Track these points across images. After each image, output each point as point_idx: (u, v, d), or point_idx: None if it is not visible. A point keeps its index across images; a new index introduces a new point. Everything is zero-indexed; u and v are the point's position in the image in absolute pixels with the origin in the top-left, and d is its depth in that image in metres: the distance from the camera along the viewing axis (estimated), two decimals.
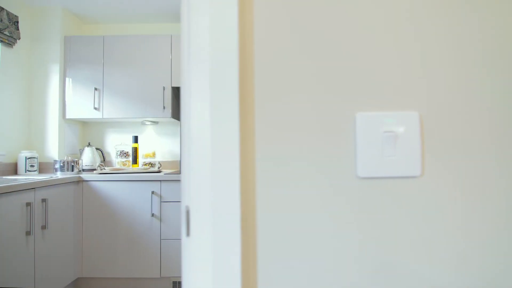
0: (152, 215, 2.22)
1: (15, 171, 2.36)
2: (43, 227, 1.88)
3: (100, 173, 2.28)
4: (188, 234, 0.41)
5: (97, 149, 2.74)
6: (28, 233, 1.76)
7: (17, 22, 2.33)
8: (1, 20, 2.18)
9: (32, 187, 1.79)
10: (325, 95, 0.43)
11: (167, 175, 2.22)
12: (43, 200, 1.88)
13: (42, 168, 2.48)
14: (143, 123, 2.85)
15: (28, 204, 1.76)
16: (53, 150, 2.50)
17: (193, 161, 0.41)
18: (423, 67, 0.43)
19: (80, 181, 2.23)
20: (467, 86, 0.43)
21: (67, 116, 2.53)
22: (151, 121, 2.81)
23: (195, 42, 0.42)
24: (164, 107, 2.51)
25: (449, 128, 0.43)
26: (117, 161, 2.71)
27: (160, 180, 2.23)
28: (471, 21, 0.43)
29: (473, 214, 0.43)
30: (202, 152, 0.41)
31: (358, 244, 0.43)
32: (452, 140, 0.43)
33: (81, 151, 2.67)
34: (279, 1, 0.43)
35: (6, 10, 2.23)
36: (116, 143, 2.85)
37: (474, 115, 0.43)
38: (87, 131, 2.88)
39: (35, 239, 1.82)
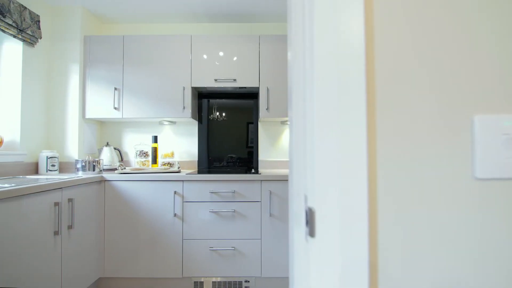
0: (175, 215, 2.22)
1: (36, 171, 2.36)
2: (70, 227, 1.88)
3: (122, 173, 2.28)
4: (312, 235, 0.42)
5: (115, 148, 2.73)
6: (56, 233, 1.76)
7: (39, 21, 2.33)
8: (24, 19, 2.18)
9: (59, 187, 1.78)
10: (442, 100, 0.44)
11: (190, 175, 2.22)
12: (70, 200, 1.88)
13: (62, 167, 2.47)
14: (160, 123, 2.85)
15: (56, 204, 1.76)
16: (73, 150, 2.49)
17: (319, 166, 0.41)
18: None
19: (102, 181, 2.23)
20: None
21: (87, 116, 2.52)
22: (169, 121, 2.81)
23: (319, 46, 0.42)
24: (184, 107, 2.51)
25: None
26: (136, 161, 2.71)
27: (182, 180, 2.23)
28: None
29: None
30: (330, 157, 0.41)
31: (477, 244, 0.43)
32: None
33: (100, 151, 2.67)
34: (398, 8, 0.43)
35: (29, 9, 2.23)
36: (133, 142, 2.85)
37: None
38: (104, 131, 2.87)
39: (62, 239, 1.82)
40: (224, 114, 2.89)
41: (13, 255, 1.45)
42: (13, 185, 1.57)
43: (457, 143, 0.44)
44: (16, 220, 1.47)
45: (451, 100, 0.44)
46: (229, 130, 2.88)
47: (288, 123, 0.55)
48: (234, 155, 2.88)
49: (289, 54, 0.52)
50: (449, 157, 0.44)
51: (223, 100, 2.90)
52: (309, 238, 0.43)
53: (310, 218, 0.42)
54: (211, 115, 2.89)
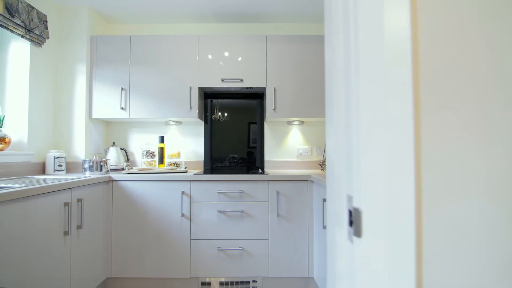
0: (182, 215, 2.22)
1: (43, 171, 2.35)
2: (79, 227, 1.88)
3: (129, 173, 2.27)
4: (359, 235, 0.42)
5: (121, 148, 2.73)
6: (66, 233, 1.75)
7: (46, 21, 2.33)
8: (32, 19, 2.18)
9: (69, 187, 1.78)
10: (488, 100, 0.44)
11: (197, 175, 2.22)
12: (79, 200, 1.88)
13: (69, 167, 2.47)
14: (166, 123, 2.85)
15: (66, 204, 1.76)
16: (79, 150, 2.49)
17: (366, 167, 0.41)
18: None
19: (110, 181, 2.23)
20: None
21: (94, 116, 2.52)
22: (175, 121, 2.81)
23: (366, 48, 0.42)
24: (191, 108, 2.51)
25: None
26: (143, 161, 2.70)
27: (190, 180, 2.23)
28: None
29: None
30: (377, 159, 0.41)
31: None
32: None
33: (106, 151, 2.67)
34: (443, 8, 0.44)
35: (36, 9, 2.22)
36: (139, 143, 2.85)
37: None
38: (110, 131, 2.87)
39: (72, 239, 1.82)
40: (226, 114, 2.89)
41: (25, 255, 1.44)
42: (23, 185, 1.57)
43: (505, 145, 0.44)
44: (27, 220, 1.47)
45: (497, 101, 0.44)
46: (231, 130, 2.89)
47: (327, 123, 0.55)
48: (236, 155, 2.89)
49: (327, 53, 0.52)
50: (496, 159, 0.44)
51: (226, 100, 2.90)
52: (354, 238, 0.43)
53: (355, 218, 0.43)
54: (213, 115, 2.90)
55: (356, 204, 0.43)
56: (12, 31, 2.04)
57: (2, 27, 1.98)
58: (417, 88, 0.44)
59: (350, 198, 0.44)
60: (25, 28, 2.11)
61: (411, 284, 0.40)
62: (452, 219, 0.43)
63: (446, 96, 0.44)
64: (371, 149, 0.41)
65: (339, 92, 0.47)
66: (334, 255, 0.48)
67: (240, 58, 2.53)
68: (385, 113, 0.41)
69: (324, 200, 1.86)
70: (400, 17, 0.42)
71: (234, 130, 2.89)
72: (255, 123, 2.90)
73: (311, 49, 2.54)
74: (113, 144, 2.67)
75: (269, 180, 2.24)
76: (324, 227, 1.86)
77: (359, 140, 0.42)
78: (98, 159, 2.29)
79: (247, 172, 2.42)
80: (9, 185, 1.63)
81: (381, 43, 0.42)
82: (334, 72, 0.48)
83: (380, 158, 0.41)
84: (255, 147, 2.89)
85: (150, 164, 2.70)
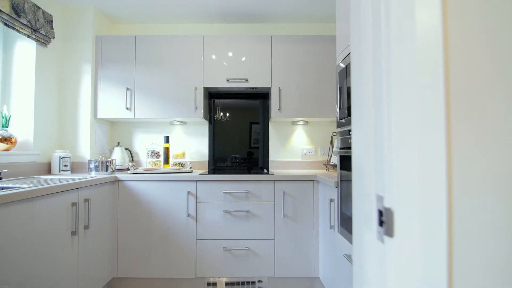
0: (188, 215, 2.22)
1: (48, 171, 2.35)
2: (86, 227, 1.88)
3: (135, 173, 2.27)
4: (390, 235, 0.42)
5: (126, 149, 2.73)
6: (73, 233, 1.75)
7: (52, 21, 2.33)
8: (38, 19, 2.18)
9: (76, 187, 1.78)
10: None
11: (203, 175, 2.23)
12: (86, 200, 1.88)
13: (74, 167, 2.47)
14: (171, 123, 2.85)
15: (73, 204, 1.76)
16: (84, 150, 2.49)
17: (399, 168, 0.42)
18: None
19: (116, 181, 2.23)
20: None
21: (99, 116, 2.52)
22: (179, 121, 2.81)
23: (397, 50, 0.43)
24: (196, 108, 2.51)
25: None
26: (148, 161, 2.70)
27: (196, 181, 2.23)
28: None
29: None
30: (410, 160, 0.41)
31: None
32: None
33: (111, 151, 2.67)
34: (473, 9, 0.44)
35: (42, 9, 2.22)
36: (143, 143, 2.85)
37: None
38: (114, 131, 2.87)
39: (79, 239, 1.82)
40: (228, 114, 2.89)
41: (34, 255, 1.44)
42: (31, 185, 1.57)
43: None
44: (35, 220, 1.46)
45: None
46: (233, 130, 2.89)
47: (353, 125, 0.55)
48: (238, 155, 2.89)
49: (354, 54, 0.52)
50: None
51: (228, 100, 2.90)
52: (385, 237, 0.43)
53: (387, 218, 0.43)
54: (215, 115, 2.90)
55: (387, 204, 0.43)
56: (18, 31, 2.04)
57: (8, 27, 1.98)
58: (448, 90, 0.44)
59: (380, 198, 0.44)
60: (31, 28, 2.11)
61: (443, 284, 0.41)
62: (481, 222, 0.44)
63: (474, 99, 0.44)
64: (403, 152, 0.42)
65: (368, 93, 0.47)
66: (362, 255, 0.48)
67: (245, 58, 2.53)
68: (418, 115, 0.42)
69: (331, 200, 1.86)
70: (431, 18, 0.42)
71: (237, 130, 2.89)
72: (257, 123, 2.90)
73: (316, 49, 2.54)
74: (118, 144, 2.67)
75: (274, 180, 2.24)
76: (331, 227, 1.86)
77: (390, 141, 0.42)
78: (104, 159, 2.29)
79: (250, 172, 2.42)
80: (17, 185, 1.63)
81: (414, 46, 0.42)
82: (362, 72, 0.48)
83: (412, 160, 0.41)
84: (257, 147, 2.89)
85: (155, 164, 2.70)
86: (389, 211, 0.42)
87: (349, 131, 1.61)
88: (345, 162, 1.68)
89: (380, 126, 0.44)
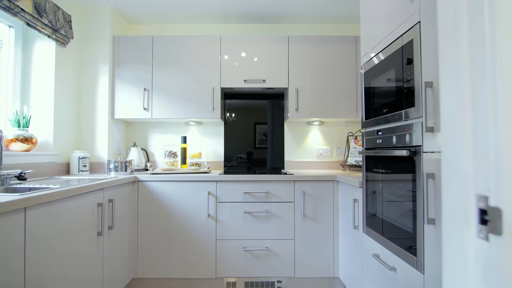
0: (208, 215, 2.22)
1: (67, 171, 2.35)
2: (110, 228, 1.88)
3: (154, 173, 2.28)
4: (499, 233, 0.43)
5: (142, 149, 2.73)
6: (99, 233, 1.75)
7: (70, 21, 2.32)
8: (58, 19, 2.17)
9: (101, 188, 1.78)
10: None
11: (223, 176, 2.23)
12: (110, 201, 1.88)
13: (92, 168, 2.47)
14: (187, 124, 2.86)
15: (99, 204, 1.76)
16: (102, 150, 2.49)
17: (504, 170, 0.42)
18: None
19: (135, 181, 2.23)
20: None
21: (116, 116, 2.52)
22: (195, 122, 2.82)
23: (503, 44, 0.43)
24: (213, 108, 2.52)
25: None
26: (165, 162, 2.70)
27: (216, 181, 2.23)
28: None
29: None
30: None
31: None
32: None
33: (127, 151, 2.67)
34: None
35: (62, 10, 2.22)
36: (159, 143, 2.85)
37: None
38: (130, 131, 2.87)
39: (103, 239, 1.82)
40: (233, 115, 2.89)
41: (64, 255, 1.44)
42: (58, 186, 1.56)
43: None
44: (64, 221, 1.46)
45: None
46: (245, 130, 2.88)
47: (443, 122, 0.55)
48: (243, 155, 2.88)
49: (441, 47, 0.53)
50: None
51: (235, 101, 2.90)
52: (491, 236, 0.44)
53: (493, 217, 0.44)
54: (227, 115, 2.90)
55: (493, 203, 0.44)
56: (39, 31, 2.04)
57: (30, 26, 1.98)
58: None
59: (482, 198, 0.45)
60: (52, 28, 2.11)
61: None
62: None
63: None
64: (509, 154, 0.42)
65: (465, 88, 0.47)
66: (458, 254, 0.49)
67: (261, 59, 2.54)
68: None
69: (355, 200, 1.87)
70: None
71: (243, 130, 2.88)
72: (262, 123, 2.88)
73: (331, 49, 2.55)
74: (134, 145, 2.67)
75: (294, 181, 2.25)
76: (356, 227, 1.87)
77: (498, 141, 0.43)
78: (122, 159, 2.29)
79: (271, 173, 2.42)
80: (44, 186, 1.63)
81: None
82: (456, 69, 0.49)
83: None
84: (260, 147, 2.88)
85: (172, 165, 2.70)
86: (496, 210, 0.43)
87: (377, 131, 1.62)
88: (371, 162, 1.69)
89: (484, 128, 0.44)
